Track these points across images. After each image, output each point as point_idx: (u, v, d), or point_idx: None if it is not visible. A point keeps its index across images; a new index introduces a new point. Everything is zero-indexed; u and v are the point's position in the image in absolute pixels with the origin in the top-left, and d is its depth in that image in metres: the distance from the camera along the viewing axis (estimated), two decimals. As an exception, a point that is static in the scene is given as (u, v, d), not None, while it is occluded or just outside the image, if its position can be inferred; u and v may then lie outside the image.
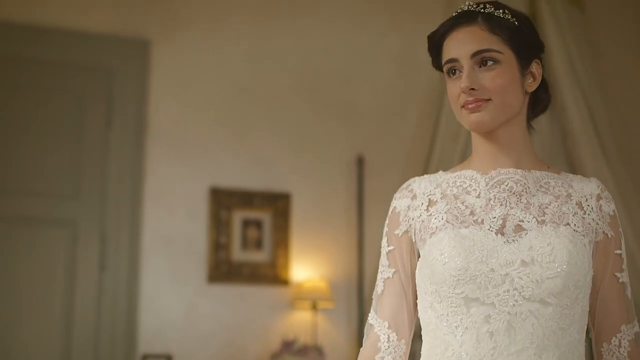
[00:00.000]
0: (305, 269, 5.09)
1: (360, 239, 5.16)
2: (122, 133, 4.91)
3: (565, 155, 5.70)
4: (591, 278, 1.73)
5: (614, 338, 1.78)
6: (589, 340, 1.82)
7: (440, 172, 1.89)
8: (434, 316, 1.73)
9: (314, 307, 4.95)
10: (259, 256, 5.06)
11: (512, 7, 1.81)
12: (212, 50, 5.19)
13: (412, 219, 1.83)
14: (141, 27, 5.06)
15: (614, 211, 1.80)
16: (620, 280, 1.78)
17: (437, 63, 1.85)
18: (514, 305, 1.65)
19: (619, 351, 1.77)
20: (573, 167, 5.64)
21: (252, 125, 5.18)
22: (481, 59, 1.74)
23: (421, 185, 1.86)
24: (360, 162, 5.30)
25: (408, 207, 1.84)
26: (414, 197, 1.85)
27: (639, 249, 5.49)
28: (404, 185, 1.89)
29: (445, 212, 1.77)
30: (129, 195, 4.87)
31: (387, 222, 1.89)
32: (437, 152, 5.18)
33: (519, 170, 1.79)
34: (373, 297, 1.88)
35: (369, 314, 1.87)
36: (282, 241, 5.09)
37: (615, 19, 6.14)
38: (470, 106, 1.74)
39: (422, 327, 1.79)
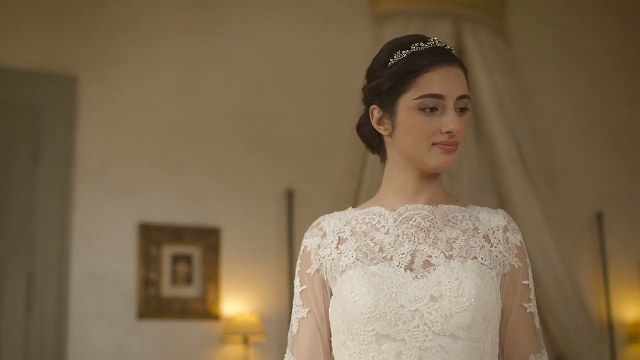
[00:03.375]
0: (236, 304, 5.06)
1: (291, 272, 5.15)
2: (49, 170, 4.84)
3: (494, 185, 5.78)
4: (500, 310, 1.75)
5: None
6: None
7: (350, 208, 1.91)
8: (347, 354, 1.73)
9: (246, 341, 4.93)
10: (189, 291, 5.03)
11: (439, 41, 1.82)
12: (141, 86, 5.17)
13: (323, 258, 1.84)
14: (68, 63, 5.02)
15: (520, 242, 1.83)
16: (528, 311, 1.81)
17: (393, 88, 1.78)
18: (424, 340, 1.66)
19: (529, 380, 1.80)
20: (501, 197, 5.73)
21: (181, 161, 5.17)
22: (462, 104, 1.76)
23: (331, 223, 1.87)
24: (290, 195, 5.31)
25: (318, 245, 1.86)
26: (324, 235, 1.86)
27: (566, 274, 5.59)
28: (314, 224, 1.91)
29: (354, 250, 1.79)
30: (57, 233, 4.80)
31: (298, 261, 1.90)
32: (365, 184, 5.21)
33: (426, 206, 1.81)
34: (288, 336, 1.88)
35: (285, 354, 1.87)
36: (212, 276, 5.06)
37: (541, 50, 6.29)
38: (448, 147, 1.74)
39: (336, 364, 1.79)
